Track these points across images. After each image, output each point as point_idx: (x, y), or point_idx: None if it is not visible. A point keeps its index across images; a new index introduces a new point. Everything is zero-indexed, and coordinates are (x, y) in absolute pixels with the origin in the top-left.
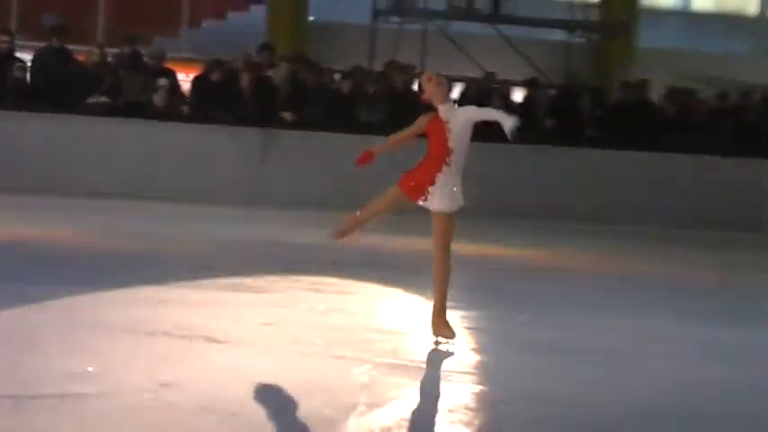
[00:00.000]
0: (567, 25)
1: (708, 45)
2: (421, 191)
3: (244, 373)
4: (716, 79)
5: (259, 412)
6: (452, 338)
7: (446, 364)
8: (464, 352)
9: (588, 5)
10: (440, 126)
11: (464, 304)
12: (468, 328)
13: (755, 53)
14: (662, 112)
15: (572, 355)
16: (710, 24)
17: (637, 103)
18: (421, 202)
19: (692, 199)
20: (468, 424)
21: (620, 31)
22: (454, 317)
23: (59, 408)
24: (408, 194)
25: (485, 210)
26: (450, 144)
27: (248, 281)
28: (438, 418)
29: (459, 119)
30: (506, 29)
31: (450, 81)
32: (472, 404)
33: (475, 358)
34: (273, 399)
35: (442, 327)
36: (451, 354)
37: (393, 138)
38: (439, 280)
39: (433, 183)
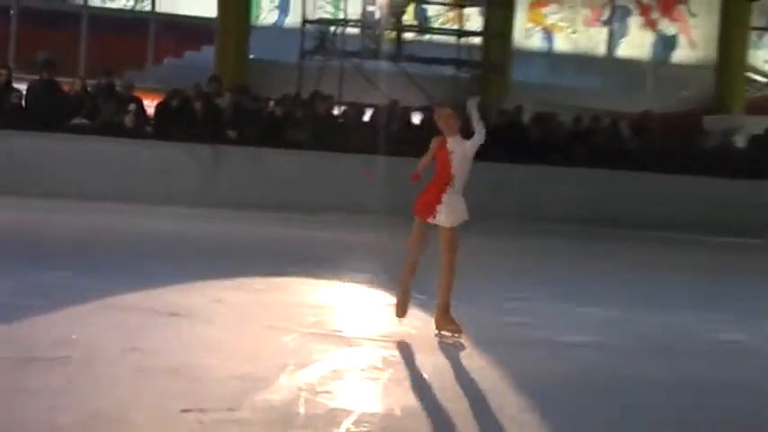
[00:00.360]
0: (455, 63)
1: (566, 80)
2: (430, 210)
3: (197, 340)
4: (572, 107)
5: (208, 372)
6: (460, 333)
7: (359, 333)
8: (375, 323)
9: (471, 47)
10: (446, 154)
11: (385, 285)
12: (386, 305)
13: (604, 86)
14: (530, 132)
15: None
16: (568, 63)
17: (511, 126)
18: (430, 220)
19: (556, 201)
20: (375, 380)
21: (497, 68)
22: (376, 295)
23: (49, 368)
24: (419, 216)
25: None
26: (453, 171)
27: (202, 267)
28: (351, 376)
29: (461, 151)
30: (407, 66)
31: (364, 107)
32: (379, 364)
33: (384, 328)
34: (220, 360)
35: (448, 323)
36: (365, 325)
37: (421, 162)
38: (446, 284)
39: (440, 202)
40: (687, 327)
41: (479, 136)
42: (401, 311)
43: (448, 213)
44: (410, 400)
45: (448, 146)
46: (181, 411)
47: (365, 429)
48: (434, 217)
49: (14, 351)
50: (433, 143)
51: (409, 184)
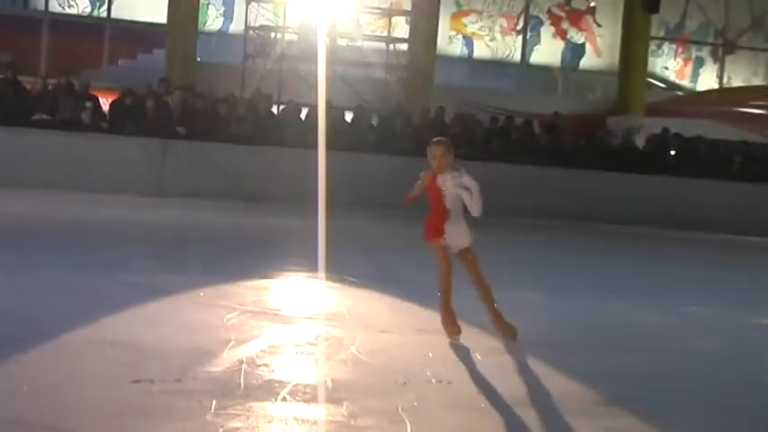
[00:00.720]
0: (384, 67)
1: (484, 83)
2: (440, 233)
3: (146, 316)
4: (490, 108)
5: (156, 346)
6: (515, 335)
7: (295, 312)
8: (310, 303)
9: (399, 52)
10: (436, 191)
11: (319, 269)
12: (331, 287)
13: (519, 89)
14: (450, 130)
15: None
16: (486, 68)
17: (433, 124)
18: (443, 242)
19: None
20: (309, 354)
21: (422, 71)
22: (311, 277)
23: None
24: (431, 238)
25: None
26: (447, 206)
27: (150, 249)
28: (287, 350)
29: (453, 191)
30: (341, 69)
31: (301, 106)
32: (313, 340)
33: (318, 308)
34: (168, 335)
35: (505, 327)
36: (300, 304)
37: (413, 190)
38: (486, 295)
39: (444, 230)
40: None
41: (474, 209)
42: (455, 330)
43: (458, 236)
44: (341, 372)
45: (438, 183)
46: (130, 382)
47: (300, 399)
48: (446, 239)
49: None
50: (425, 176)
51: (339, 175)
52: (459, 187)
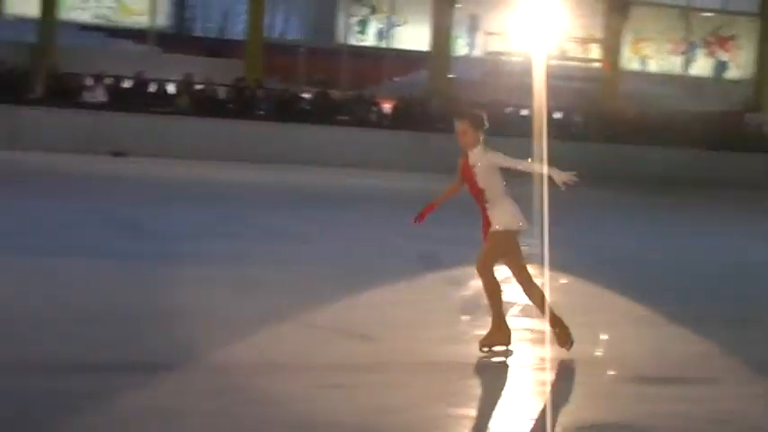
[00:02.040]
0: (584, 78)
1: (654, 89)
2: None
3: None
4: (648, 105)
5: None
6: (568, 342)
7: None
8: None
9: (593, 68)
10: (468, 169)
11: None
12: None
13: (676, 93)
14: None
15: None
16: (656, 78)
17: (623, 117)
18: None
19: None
20: None
21: (611, 81)
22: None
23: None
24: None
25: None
26: (480, 185)
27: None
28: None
29: (485, 163)
30: (552, 79)
31: (522, 108)
32: None
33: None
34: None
35: (560, 328)
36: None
37: (447, 188)
38: (539, 301)
39: (489, 223)
40: None
41: (554, 176)
42: (505, 338)
43: (497, 218)
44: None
45: (470, 160)
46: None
47: (522, 315)
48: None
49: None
50: (459, 162)
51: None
52: (499, 164)
